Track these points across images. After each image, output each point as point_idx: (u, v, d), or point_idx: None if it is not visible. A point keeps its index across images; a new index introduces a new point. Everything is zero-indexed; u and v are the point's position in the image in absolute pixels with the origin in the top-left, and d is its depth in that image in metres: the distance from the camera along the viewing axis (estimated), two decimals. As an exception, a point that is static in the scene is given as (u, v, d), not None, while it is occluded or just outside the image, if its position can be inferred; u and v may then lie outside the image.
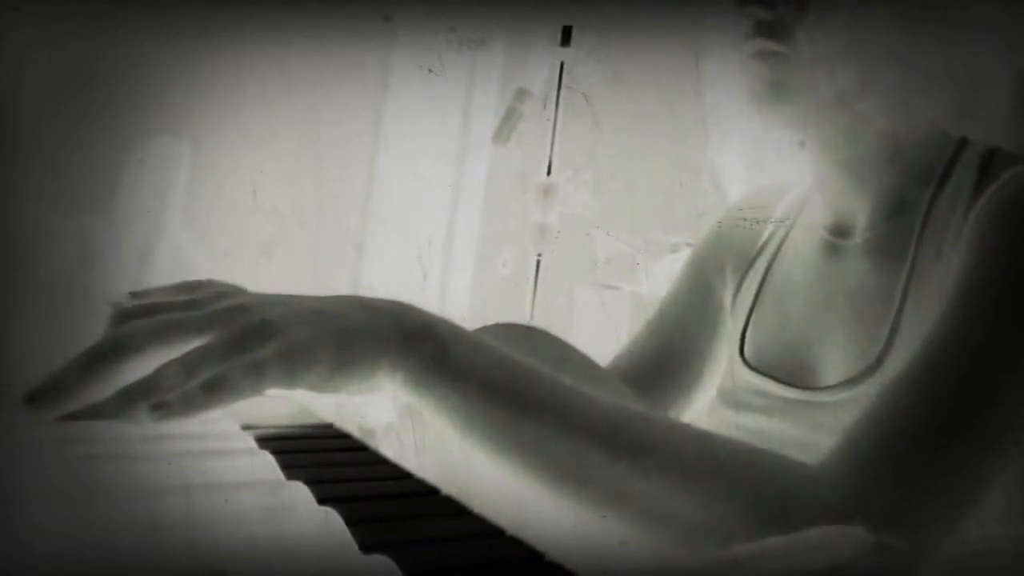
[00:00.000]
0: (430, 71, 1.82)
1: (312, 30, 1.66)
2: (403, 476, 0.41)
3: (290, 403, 0.54)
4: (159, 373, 0.39)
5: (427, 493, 0.39)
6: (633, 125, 1.55)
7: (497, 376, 0.45)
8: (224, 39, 1.54)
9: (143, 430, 0.41)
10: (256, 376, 0.39)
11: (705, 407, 0.74)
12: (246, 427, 0.45)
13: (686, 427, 0.47)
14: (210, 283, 0.49)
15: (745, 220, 0.75)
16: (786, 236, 0.72)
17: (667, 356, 0.75)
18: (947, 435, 0.46)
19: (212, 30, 1.52)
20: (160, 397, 0.39)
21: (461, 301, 1.89)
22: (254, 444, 0.41)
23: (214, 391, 0.39)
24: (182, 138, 1.50)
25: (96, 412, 0.39)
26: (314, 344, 0.41)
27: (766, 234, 0.74)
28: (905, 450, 0.46)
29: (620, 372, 0.75)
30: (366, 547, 0.29)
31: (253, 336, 0.41)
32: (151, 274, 1.39)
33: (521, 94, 1.47)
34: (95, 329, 0.55)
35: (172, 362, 0.40)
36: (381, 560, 0.28)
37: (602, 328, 1.58)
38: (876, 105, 0.59)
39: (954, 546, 0.47)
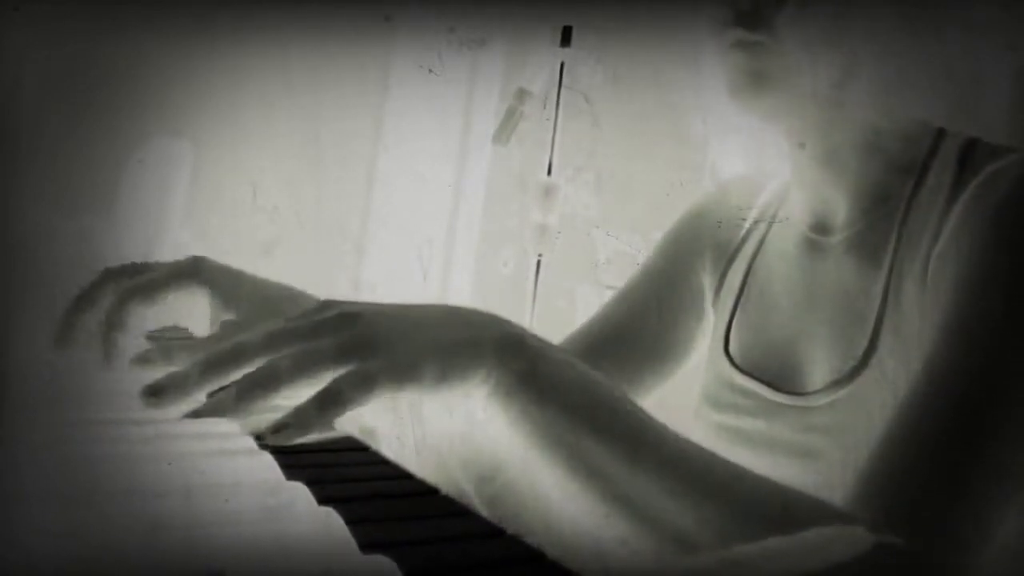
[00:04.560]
0: (430, 71, 1.82)
1: (312, 30, 1.66)
2: (403, 476, 0.41)
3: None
4: (273, 366, 0.42)
5: (427, 493, 0.39)
6: (633, 125, 1.55)
7: (578, 398, 0.46)
8: (224, 39, 1.54)
9: (143, 430, 0.41)
10: (366, 387, 0.42)
11: (678, 405, 0.73)
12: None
13: (746, 471, 0.47)
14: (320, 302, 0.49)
15: (720, 221, 0.74)
16: (767, 231, 0.71)
17: (639, 327, 0.74)
18: (964, 460, 0.46)
19: (212, 30, 1.52)
20: (275, 389, 0.42)
21: (461, 301, 1.89)
22: (254, 444, 0.41)
23: (327, 405, 0.41)
24: (182, 138, 1.51)
25: (218, 409, 0.42)
26: (419, 358, 0.43)
27: (746, 227, 0.73)
28: (926, 481, 0.46)
29: (587, 339, 0.74)
30: (366, 547, 0.29)
31: (362, 346, 0.43)
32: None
33: (521, 94, 1.47)
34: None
35: (284, 357, 0.43)
36: (381, 560, 0.28)
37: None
38: (858, 96, 0.58)
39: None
